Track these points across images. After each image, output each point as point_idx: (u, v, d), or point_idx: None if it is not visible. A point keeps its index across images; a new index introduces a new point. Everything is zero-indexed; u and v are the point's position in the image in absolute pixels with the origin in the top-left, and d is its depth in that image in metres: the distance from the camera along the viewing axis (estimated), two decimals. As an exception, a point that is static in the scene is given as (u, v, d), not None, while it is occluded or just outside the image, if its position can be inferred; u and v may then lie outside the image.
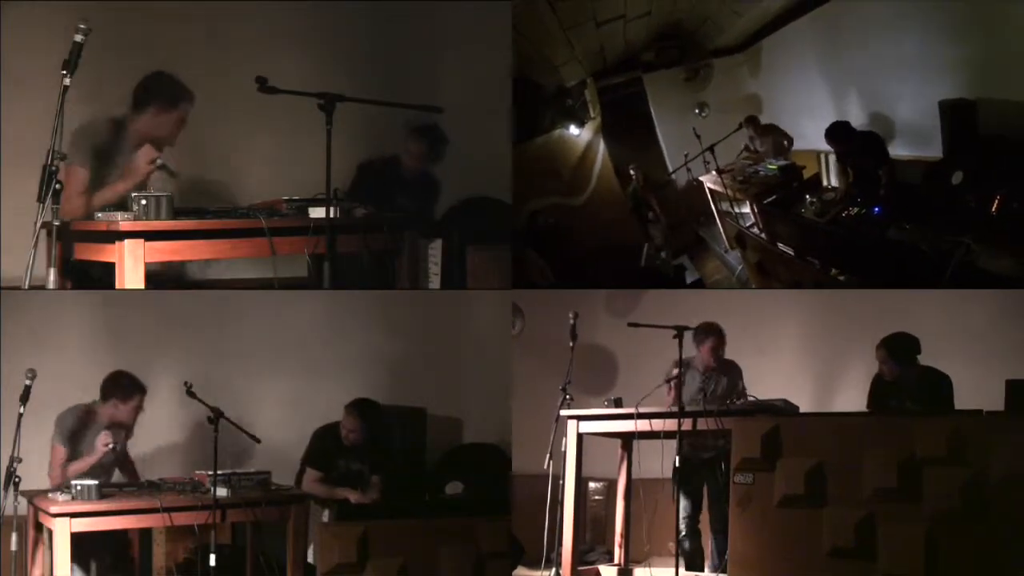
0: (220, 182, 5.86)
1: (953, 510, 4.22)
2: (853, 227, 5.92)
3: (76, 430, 5.03)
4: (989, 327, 5.95)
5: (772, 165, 7.40)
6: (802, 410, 5.23)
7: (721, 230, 8.03)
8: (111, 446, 4.93)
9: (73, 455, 5.01)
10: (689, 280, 7.76)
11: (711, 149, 7.36)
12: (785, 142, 7.58)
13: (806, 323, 6.39)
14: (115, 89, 5.17)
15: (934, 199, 5.63)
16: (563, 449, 5.30)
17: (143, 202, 4.30)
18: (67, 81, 4.00)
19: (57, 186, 3.98)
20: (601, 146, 8.58)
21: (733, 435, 4.69)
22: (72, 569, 4.73)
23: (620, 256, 8.09)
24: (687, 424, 5.01)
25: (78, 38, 4.01)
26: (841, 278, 5.91)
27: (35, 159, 4.01)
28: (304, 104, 4.45)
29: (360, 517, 5.19)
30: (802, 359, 6.31)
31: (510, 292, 6.07)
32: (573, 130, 8.30)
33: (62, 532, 4.55)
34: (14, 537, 4.66)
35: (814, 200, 6.45)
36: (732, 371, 5.62)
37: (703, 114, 8.28)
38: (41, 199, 3.98)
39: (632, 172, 8.28)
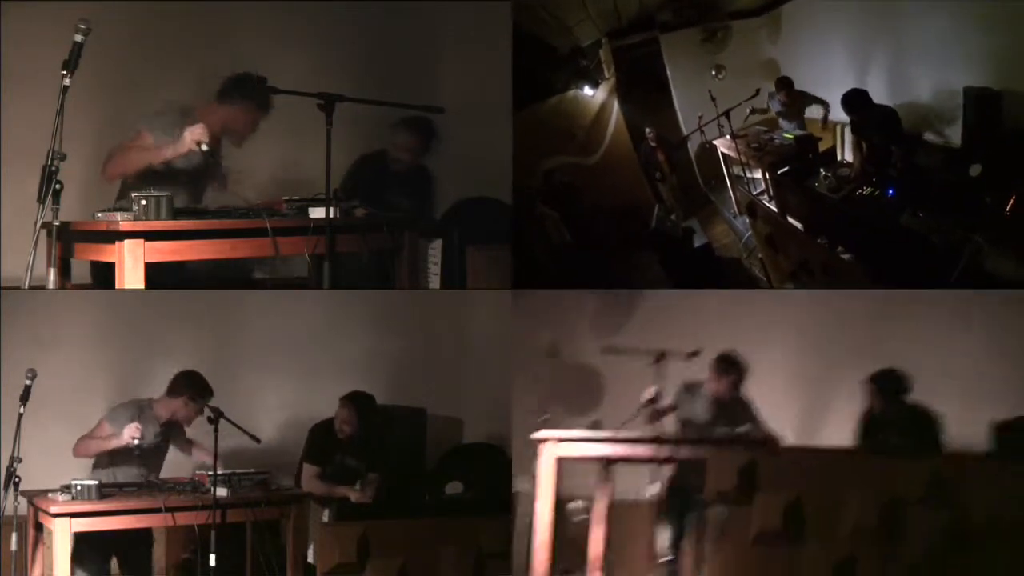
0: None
1: (935, 552, 4.10)
2: (866, 207, 5.81)
3: (130, 420, 5.03)
4: (985, 358, 5.80)
5: (788, 134, 7.31)
6: (790, 439, 5.13)
7: (731, 194, 7.98)
8: (136, 440, 4.94)
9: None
10: (697, 243, 7.63)
11: (727, 114, 7.27)
12: (819, 110, 7.37)
13: (797, 348, 6.15)
14: (114, 86, 5.18)
15: (950, 189, 5.52)
16: (534, 472, 5.19)
17: (143, 202, 4.30)
18: (67, 81, 4.00)
19: (57, 186, 3.98)
20: (615, 106, 8.44)
21: (708, 467, 4.55)
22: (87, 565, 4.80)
23: (632, 216, 8.00)
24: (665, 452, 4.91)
25: (78, 38, 4.01)
26: (846, 256, 5.81)
27: (35, 159, 4.01)
28: (304, 104, 4.45)
29: (360, 517, 5.19)
30: (791, 385, 6.10)
31: (510, 292, 6.07)
32: (587, 90, 8.19)
33: (62, 532, 4.56)
34: (14, 537, 4.66)
35: (828, 175, 6.35)
36: (744, 409, 5.44)
37: (719, 76, 8.06)
38: (41, 199, 3.98)
39: (647, 133, 8.26)
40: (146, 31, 5.69)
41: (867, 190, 5.93)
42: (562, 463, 5.20)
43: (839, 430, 5.63)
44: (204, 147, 4.71)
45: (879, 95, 6.46)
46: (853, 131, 6.58)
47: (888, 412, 5.27)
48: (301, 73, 5.06)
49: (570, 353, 5.50)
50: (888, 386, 5.26)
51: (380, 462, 5.63)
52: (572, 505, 5.83)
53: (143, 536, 5.19)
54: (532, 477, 5.15)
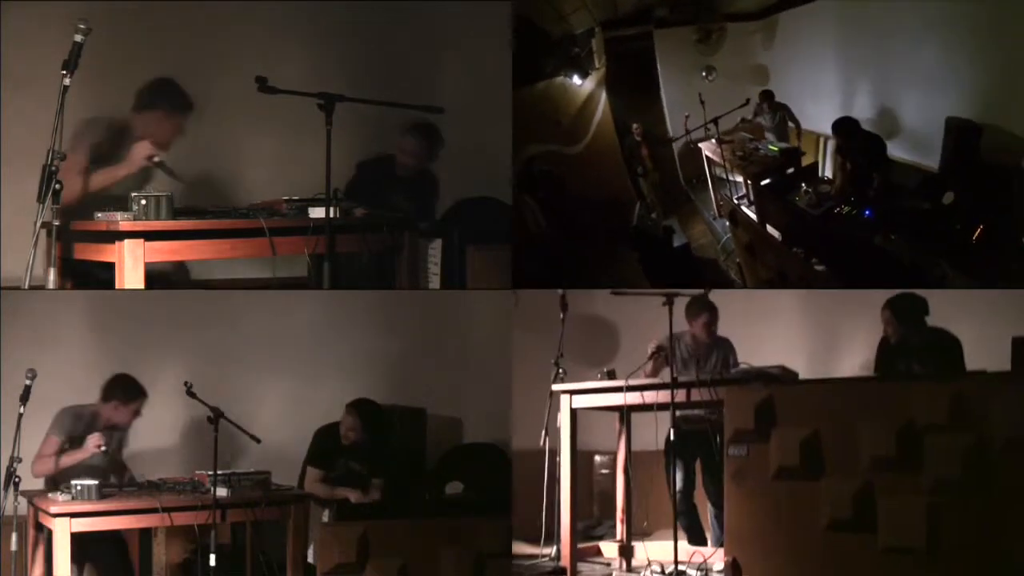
0: (220, 182, 5.87)
1: (955, 479, 3.98)
2: (843, 225, 5.89)
3: (74, 427, 5.03)
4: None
5: (774, 146, 7.35)
6: (803, 376, 5.07)
7: (712, 196, 8.00)
8: (102, 448, 4.94)
9: (63, 450, 5.01)
10: (677, 243, 7.67)
11: (715, 121, 7.28)
12: (791, 124, 7.52)
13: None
14: (117, 87, 5.18)
15: (923, 215, 5.58)
16: (558, 424, 5.27)
17: (143, 202, 4.30)
18: (67, 81, 4.00)
19: (57, 186, 3.99)
20: (603, 98, 8.43)
21: (726, 406, 4.47)
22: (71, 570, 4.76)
23: (613, 211, 8.00)
24: (680, 395, 4.92)
25: (78, 38, 4.02)
26: (819, 267, 5.85)
27: (35, 159, 4.01)
28: (304, 104, 4.45)
29: (360, 517, 5.19)
30: (805, 322, 6.18)
31: (510, 292, 6.07)
32: (576, 79, 8.16)
33: (62, 532, 4.55)
34: (14, 537, 4.66)
35: (809, 190, 6.43)
36: (724, 346, 5.61)
37: (710, 78, 8.12)
38: (41, 199, 3.98)
39: (634, 127, 8.24)
40: (145, 30, 5.69)
41: (845, 209, 6.00)
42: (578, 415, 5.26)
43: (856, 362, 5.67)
44: (156, 159, 4.75)
45: (862, 114, 6.57)
46: (838, 151, 6.68)
47: (906, 338, 5.19)
48: (301, 73, 5.06)
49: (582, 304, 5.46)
50: (905, 311, 5.18)
51: (383, 465, 5.63)
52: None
53: (114, 536, 5.16)
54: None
